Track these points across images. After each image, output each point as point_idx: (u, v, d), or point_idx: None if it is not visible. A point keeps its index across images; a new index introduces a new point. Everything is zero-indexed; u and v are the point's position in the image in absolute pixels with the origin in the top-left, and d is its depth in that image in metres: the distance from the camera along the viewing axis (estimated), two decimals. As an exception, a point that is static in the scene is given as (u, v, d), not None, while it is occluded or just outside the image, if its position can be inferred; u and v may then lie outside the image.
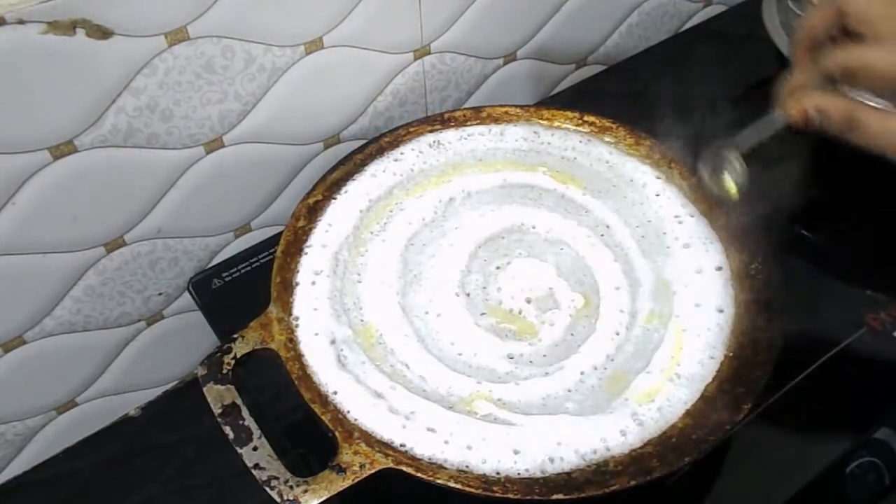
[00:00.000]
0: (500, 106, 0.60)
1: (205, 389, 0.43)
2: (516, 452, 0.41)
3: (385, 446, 0.41)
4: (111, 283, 0.56)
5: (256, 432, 0.41)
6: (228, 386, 0.43)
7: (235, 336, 0.45)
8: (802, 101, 0.42)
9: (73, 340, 0.56)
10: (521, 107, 0.60)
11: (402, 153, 0.56)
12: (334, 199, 0.53)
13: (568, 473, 0.40)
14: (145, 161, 0.53)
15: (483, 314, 0.49)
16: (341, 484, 0.39)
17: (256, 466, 0.40)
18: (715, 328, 0.46)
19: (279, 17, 0.53)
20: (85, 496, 0.56)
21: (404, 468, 0.40)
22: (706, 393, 0.44)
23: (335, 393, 0.43)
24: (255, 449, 0.41)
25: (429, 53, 0.64)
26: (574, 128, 0.59)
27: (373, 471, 0.39)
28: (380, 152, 0.56)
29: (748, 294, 0.48)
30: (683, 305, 0.48)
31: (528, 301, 0.49)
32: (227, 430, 0.41)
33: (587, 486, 0.39)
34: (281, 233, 0.51)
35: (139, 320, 0.60)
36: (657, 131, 0.57)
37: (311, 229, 0.51)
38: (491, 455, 0.41)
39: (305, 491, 0.39)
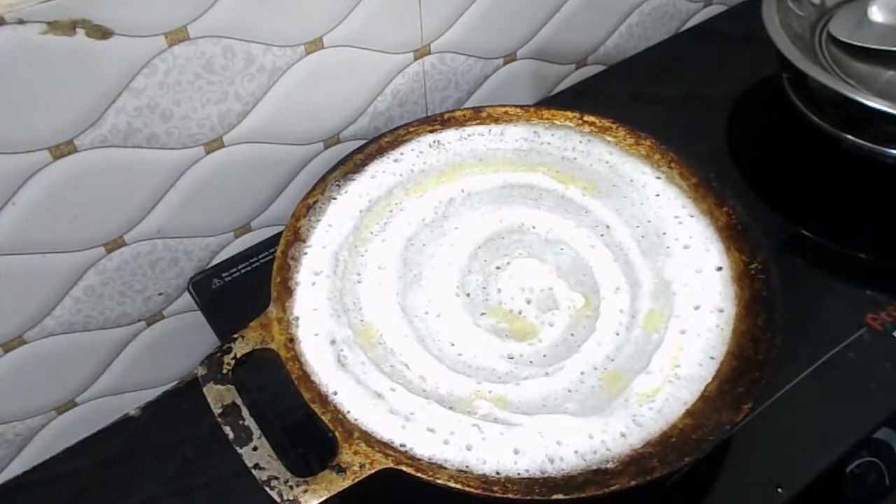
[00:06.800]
0: (500, 106, 0.60)
1: (205, 389, 0.43)
2: (516, 452, 0.41)
3: (385, 446, 0.41)
4: (111, 283, 0.56)
5: (256, 432, 0.41)
6: (228, 386, 0.43)
7: (235, 336, 0.45)
8: None
9: (73, 340, 0.56)
10: (521, 107, 0.60)
11: (402, 153, 0.56)
12: (334, 199, 0.53)
13: (568, 473, 0.40)
14: (145, 161, 0.53)
15: (483, 314, 0.49)
16: (341, 484, 0.39)
17: (256, 466, 0.40)
18: (715, 328, 0.46)
19: (279, 17, 0.53)
20: (85, 496, 0.56)
21: (404, 468, 0.40)
22: (706, 393, 0.43)
23: (335, 393, 0.43)
24: (255, 449, 0.41)
25: (429, 53, 0.64)
26: (574, 128, 0.59)
27: (373, 471, 0.39)
28: (380, 152, 0.56)
29: (748, 294, 0.48)
30: (683, 306, 0.48)
31: (528, 301, 0.49)
32: (227, 430, 0.41)
33: (587, 486, 0.39)
34: (281, 233, 0.51)
35: (139, 320, 0.60)
36: (657, 131, 0.57)
37: (311, 229, 0.51)
38: (491, 455, 0.41)
39: (305, 491, 0.39)
